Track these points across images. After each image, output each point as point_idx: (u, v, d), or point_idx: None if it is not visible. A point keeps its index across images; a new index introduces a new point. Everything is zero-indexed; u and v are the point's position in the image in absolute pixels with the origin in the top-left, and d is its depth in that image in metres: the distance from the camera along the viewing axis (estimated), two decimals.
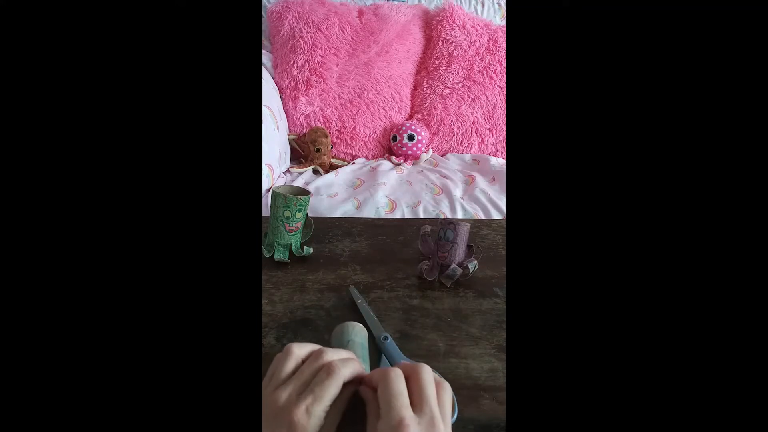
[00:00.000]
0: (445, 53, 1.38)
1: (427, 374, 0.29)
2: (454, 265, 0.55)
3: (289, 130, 1.33)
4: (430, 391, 0.28)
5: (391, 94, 1.37)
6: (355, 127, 1.33)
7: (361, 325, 0.40)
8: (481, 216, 0.98)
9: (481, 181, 1.12)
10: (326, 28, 1.32)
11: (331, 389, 0.28)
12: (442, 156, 1.38)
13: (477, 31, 1.38)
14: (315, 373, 0.29)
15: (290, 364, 0.30)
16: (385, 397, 0.27)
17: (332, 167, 1.27)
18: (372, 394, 0.29)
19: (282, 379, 0.29)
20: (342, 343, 0.37)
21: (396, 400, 0.27)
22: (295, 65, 1.31)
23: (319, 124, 1.33)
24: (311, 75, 1.31)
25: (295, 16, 1.33)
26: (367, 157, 1.37)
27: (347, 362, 0.30)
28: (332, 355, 0.30)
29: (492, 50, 1.37)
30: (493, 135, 1.37)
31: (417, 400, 0.27)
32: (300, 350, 0.31)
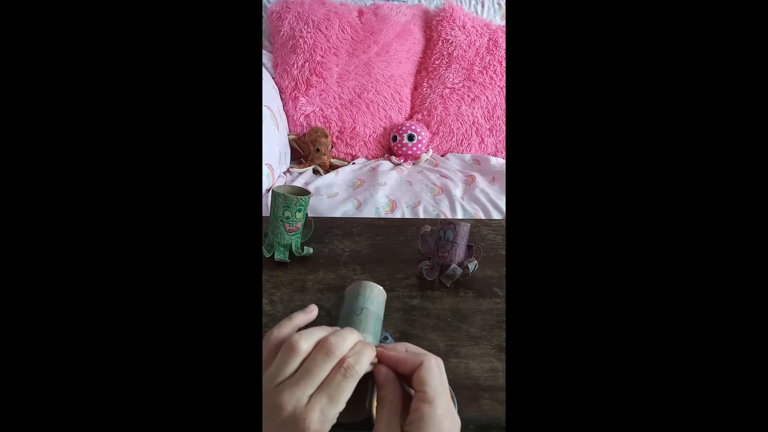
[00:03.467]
0: (445, 53, 1.38)
1: (443, 367, 0.30)
2: (454, 265, 0.55)
3: (289, 130, 1.33)
4: (446, 382, 0.29)
5: (391, 94, 1.37)
6: (355, 127, 1.33)
7: (380, 288, 0.36)
8: (481, 216, 0.98)
9: (481, 181, 1.12)
10: (326, 28, 1.32)
11: (348, 391, 0.26)
12: (442, 156, 1.38)
13: (477, 31, 1.38)
14: (326, 373, 0.26)
15: (296, 362, 0.27)
16: (435, 384, 0.27)
17: (332, 167, 1.27)
18: (392, 376, 0.28)
19: (286, 377, 0.26)
20: (354, 309, 0.34)
21: (442, 387, 0.27)
22: (295, 65, 1.31)
23: (319, 124, 1.33)
24: (311, 75, 1.31)
25: (295, 16, 1.33)
26: (367, 157, 1.37)
27: (361, 355, 0.27)
28: (342, 345, 0.28)
29: (492, 50, 1.37)
30: (493, 135, 1.37)
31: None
32: (306, 344, 0.28)
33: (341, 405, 0.25)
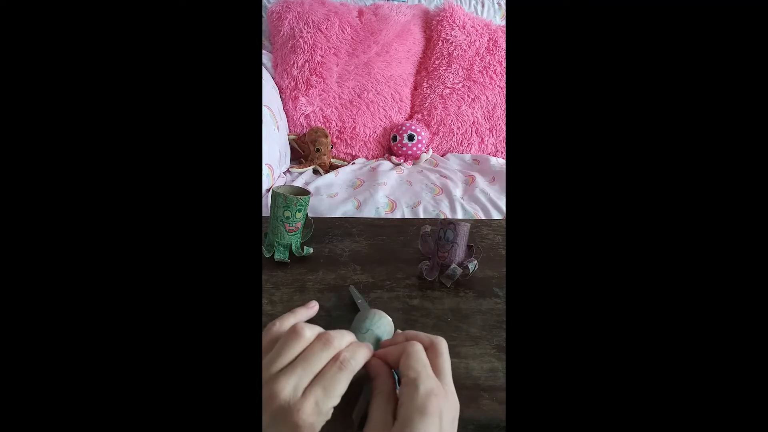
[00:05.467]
0: (445, 53, 1.38)
1: (445, 347, 0.30)
2: (454, 265, 0.55)
3: (289, 130, 1.33)
4: (448, 365, 0.29)
5: (391, 94, 1.37)
6: (355, 127, 1.33)
7: (389, 319, 0.37)
8: (481, 216, 0.98)
9: (481, 181, 1.12)
10: (326, 28, 1.32)
11: (342, 384, 0.26)
12: (442, 156, 1.38)
13: (477, 31, 1.38)
14: (323, 363, 0.27)
15: (298, 348, 0.27)
16: (415, 367, 0.27)
17: (332, 167, 1.27)
18: (384, 367, 0.29)
19: (285, 364, 0.26)
20: (360, 329, 0.35)
21: (426, 369, 0.27)
22: (295, 65, 1.31)
23: (319, 124, 1.33)
24: (311, 75, 1.31)
25: (295, 16, 1.33)
26: (367, 157, 1.37)
27: (357, 351, 0.28)
28: (340, 341, 0.28)
29: (492, 50, 1.37)
30: (493, 135, 1.37)
31: (437, 371, 0.28)
32: (310, 332, 0.28)
33: (336, 398, 0.25)
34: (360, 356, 0.28)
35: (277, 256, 0.59)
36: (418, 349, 0.28)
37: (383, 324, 0.36)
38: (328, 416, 0.25)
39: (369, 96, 1.34)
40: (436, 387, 0.26)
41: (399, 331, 0.33)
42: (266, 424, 0.25)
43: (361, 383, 0.29)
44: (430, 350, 0.29)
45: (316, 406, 0.24)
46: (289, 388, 0.25)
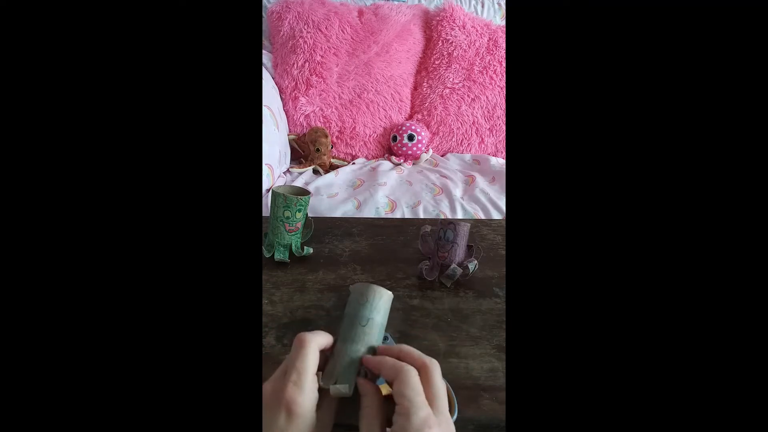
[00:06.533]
0: (445, 53, 1.38)
1: (438, 371, 0.29)
2: (454, 265, 0.55)
3: (289, 130, 1.33)
4: (442, 389, 0.28)
5: (391, 94, 1.37)
6: (355, 127, 1.33)
7: (389, 294, 0.34)
8: (481, 216, 0.98)
9: (481, 181, 1.12)
10: (326, 28, 1.32)
11: (309, 357, 0.28)
12: (442, 156, 1.38)
13: (477, 31, 1.38)
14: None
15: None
16: (408, 394, 0.27)
17: (332, 167, 1.27)
18: (370, 386, 0.29)
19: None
20: (360, 319, 0.32)
21: (419, 397, 0.27)
22: (295, 65, 1.31)
23: (319, 124, 1.33)
24: (311, 75, 1.31)
25: (295, 16, 1.33)
26: (367, 157, 1.37)
27: (317, 333, 0.30)
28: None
29: (492, 50, 1.37)
30: (493, 135, 1.37)
31: (430, 398, 0.27)
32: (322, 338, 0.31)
33: (310, 372, 0.28)
34: (320, 335, 0.30)
35: (277, 256, 0.59)
36: (413, 375, 0.28)
37: (383, 304, 0.34)
38: (314, 394, 0.27)
39: (369, 96, 1.34)
40: (428, 417, 0.26)
41: (394, 344, 0.32)
42: (264, 419, 0.26)
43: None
44: (423, 374, 0.28)
45: (295, 383, 0.27)
46: (269, 384, 0.28)
